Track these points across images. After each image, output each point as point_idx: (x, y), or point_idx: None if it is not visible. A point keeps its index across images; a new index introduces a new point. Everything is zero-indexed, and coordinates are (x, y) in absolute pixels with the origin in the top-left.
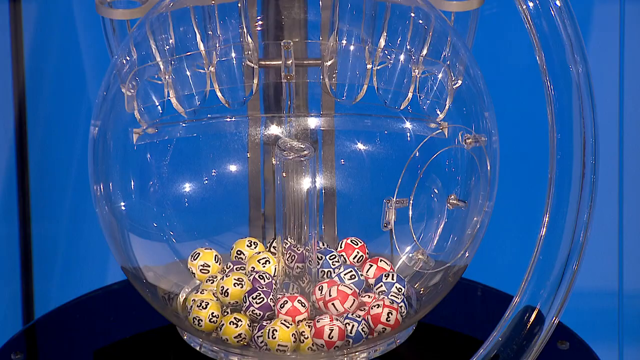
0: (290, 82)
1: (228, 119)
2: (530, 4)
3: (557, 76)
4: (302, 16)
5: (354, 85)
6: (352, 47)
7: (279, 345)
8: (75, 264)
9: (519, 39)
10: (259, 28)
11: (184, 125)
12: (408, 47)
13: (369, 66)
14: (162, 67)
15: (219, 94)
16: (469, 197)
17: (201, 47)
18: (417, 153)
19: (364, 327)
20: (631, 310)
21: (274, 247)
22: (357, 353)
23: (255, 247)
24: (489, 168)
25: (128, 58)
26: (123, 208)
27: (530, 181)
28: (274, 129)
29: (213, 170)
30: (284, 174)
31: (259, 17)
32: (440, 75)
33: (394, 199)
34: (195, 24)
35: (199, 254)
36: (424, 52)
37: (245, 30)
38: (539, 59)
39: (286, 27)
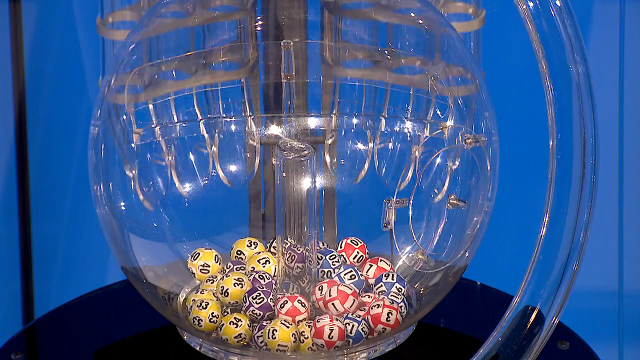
0: (290, 82)
1: (228, 119)
2: (530, 4)
3: (557, 76)
4: (302, 16)
5: (355, 164)
6: (353, 126)
7: (279, 345)
8: (75, 264)
9: (519, 39)
10: (259, 28)
11: (184, 125)
12: (409, 127)
13: (370, 145)
14: (164, 148)
15: (220, 173)
16: (469, 197)
17: (203, 128)
18: (417, 153)
19: (364, 327)
20: (631, 310)
21: (274, 247)
22: (357, 353)
23: (255, 247)
24: (489, 168)
25: (133, 142)
26: (123, 208)
27: (530, 181)
28: (274, 129)
29: (213, 171)
30: (284, 174)
31: (259, 17)
32: (438, 160)
33: (394, 199)
34: (197, 104)
35: (199, 254)
36: (426, 133)
37: (247, 108)
38: (539, 59)
39: (286, 27)
